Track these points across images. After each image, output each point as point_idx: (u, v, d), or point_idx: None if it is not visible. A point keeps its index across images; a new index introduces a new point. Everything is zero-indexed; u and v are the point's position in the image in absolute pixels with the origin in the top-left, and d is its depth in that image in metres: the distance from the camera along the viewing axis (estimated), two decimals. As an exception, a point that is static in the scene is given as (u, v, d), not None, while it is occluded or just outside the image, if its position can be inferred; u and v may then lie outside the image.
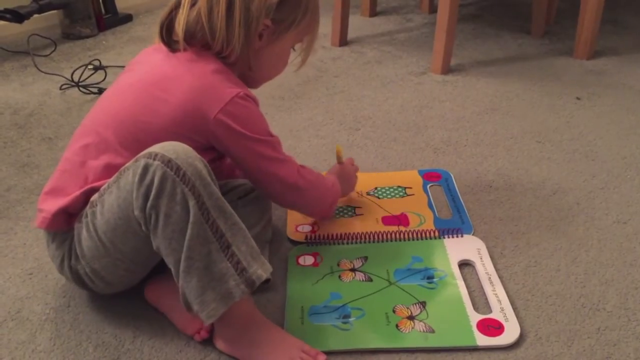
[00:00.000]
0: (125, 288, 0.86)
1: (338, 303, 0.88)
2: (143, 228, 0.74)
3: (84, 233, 0.79)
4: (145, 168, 0.72)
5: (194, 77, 0.81)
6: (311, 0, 0.87)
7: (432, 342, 0.81)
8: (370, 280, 0.92)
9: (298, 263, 0.96)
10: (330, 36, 1.92)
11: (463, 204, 1.10)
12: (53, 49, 1.87)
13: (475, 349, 0.80)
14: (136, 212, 0.73)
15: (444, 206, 1.11)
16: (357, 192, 1.13)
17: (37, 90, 1.62)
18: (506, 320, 0.84)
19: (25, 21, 1.85)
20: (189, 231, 0.72)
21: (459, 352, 0.80)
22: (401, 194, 1.14)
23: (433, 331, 0.83)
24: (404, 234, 1.01)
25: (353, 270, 0.94)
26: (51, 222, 0.80)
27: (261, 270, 0.76)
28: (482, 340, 0.81)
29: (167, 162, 0.72)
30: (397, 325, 0.84)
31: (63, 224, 0.81)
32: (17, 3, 1.86)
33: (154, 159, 0.72)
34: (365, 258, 0.97)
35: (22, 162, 1.28)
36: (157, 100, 0.81)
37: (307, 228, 1.04)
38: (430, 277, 0.92)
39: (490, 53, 1.83)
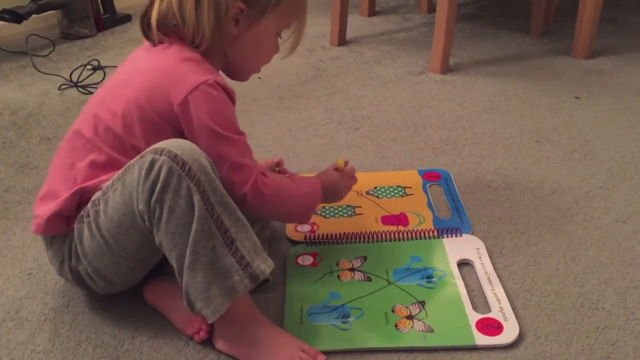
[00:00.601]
0: (126, 287, 0.86)
1: (337, 303, 0.88)
2: (147, 223, 0.75)
3: (86, 233, 0.79)
4: (152, 163, 0.73)
5: (160, 63, 0.81)
6: None
7: (431, 341, 0.81)
8: (370, 279, 0.92)
9: (297, 263, 0.96)
10: (329, 36, 1.92)
11: (462, 203, 1.10)
12: (52, 49, 1.87)
13: (474, 348, 0.80)
14: (140, 207, 0.74)
15: (443, 206, 1.11)
16: (357, 192, 1.13)
17: (35, 90, 1.62)
18: (505, 319, 0.84)
19: (24, 21, 1.85)
20: (194, 226, 0.72)
21: (458, 352, 0.80)
22: (401, 193, 1.14)
23: (432, 330, 0.83)
24: (403, 234, 1.01)
25: (352, 270, 0.95)
26: (45, 227, 0.81)
27: (264, 265, 0.76)
28: (481, 339, 0.81)
29: (174, 157, 0.72)
30: (396, 325, 0.84)
31: (59, 228, 0.81)
32: (15, 3, 1.86)
33: (161, 154, 0.73)
34: (365, 258, 0.97)
35: (21, 163, 1.28)
36: (123, 88, 0.82)
37: (307, 228, 1.04)
38: (429, 277, 0.92)
39: (489, 52, 1.83)
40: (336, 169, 0.97)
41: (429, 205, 1.10)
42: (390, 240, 1.00)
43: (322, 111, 1.48)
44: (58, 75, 1.67)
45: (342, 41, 1.91)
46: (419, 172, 1.20)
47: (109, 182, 0.78)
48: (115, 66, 1.72)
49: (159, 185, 0.72)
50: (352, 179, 0.98)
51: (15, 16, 1.82)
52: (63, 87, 1.62)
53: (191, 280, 0.74)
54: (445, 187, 1.15)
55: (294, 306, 0.87)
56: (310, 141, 1.34)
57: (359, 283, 0.92)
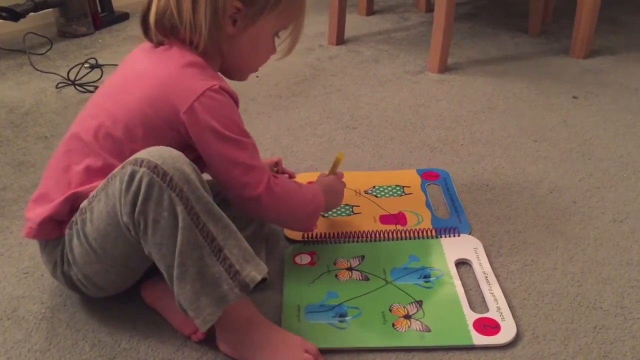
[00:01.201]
0: (118, 292, 0.86)
1: (334, 302, 0.88)
2: (132, 234, 0.74)
3: (75, 240, 0.79)
4: (132, 175, 0.71)
5: (164, 69, 0.80)
6: None
7: (429, 341, 0.81)
8: (367, 279, 0.92)
9: (295, 262, 0.96)
10: (327, 35, 1.91)
11: (461, 203, 1.10)
12: (49, 47, 1.87)
13: (472, 348, 0.80)
14: (125, 219, 0.73)
15: (442, 205, 1.11)
16: (355, 191, 1.13)
17: (33, 88, 1.62)
18: (502, 319, 0.84)
19: (21, 19, 1.85)
20: (179, 237, 0.71)
21: (455, 351, 0.80)
22: (399, 192, 1.14)
23: (429, 330, 0.83)
24: (401, 233, 1.01)
25: (350, 269, 0.94)
26: (37, 231, 0.80)
27: (255, 272, 0.75)
28: (479, 339, 0.81)
29: (154, 168, 0.71)
30: (393, 324, 0.84)
31: (52, 232, 0.81)
32: (13, 1, 1.85)
33: (140, 166, 0.71)
34: (362, 257, 0.97)
35: (18, 161, 1.27)
36: (125, 94, 0.81)
37: (304, 227, 1.04)
38: (427, 276, 0.92)
39: (487, 52, 1.83)
40: (334, 165, 0.99)
41: (428, 205, 1.10)
42: (388, 240, 1.00)
43: (320, 110, 1.48)
44: (55, 74, 1.67)
45: (340, 40, 1.91)
46: (418, 171, 1.20)
47: (94, 192, 0.77)
48: (113, 64, 1.72)
49: (140, 198, 0.71)
50: (342, 181, 1.00)
51: (12, 14, 1.82)
52: (60, 85, 1.61)
53: (181, 290, 0.74)
54: (444, 187, 1.15)
55: (291, 305, 0.87)
56: (308, 140, 1.34)
57: (357, 282, 0.92)
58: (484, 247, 0.98)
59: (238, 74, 0.90)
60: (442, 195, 1.13)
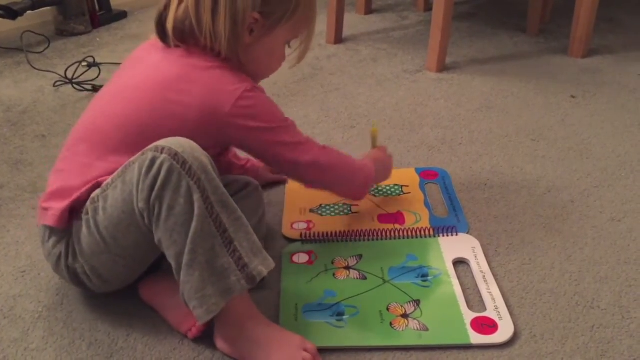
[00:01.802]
0: (122, 286, 0.86)
1: (332, 301, 0.88)
2: (146, 221, 0.75)
3: (84, 230, 0.79)
4: (152, 161, 0.73)
5: (204, 76, 0.81)
6: None
7: (426, 340, 0.81)
8: (365, 278, 0.92)
9: (292, 261, 0.96)
10: (325, 34, 1.91)
11: (460, 202, 1.10)
12: (46, 45, 1.86)
13: (469, 347, 0.80)
14: (140, 204, 0.74)
15: (440, 204, 1.10)
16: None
17: (30, 87, 1.61)
18: (500, 318, 0.84)
19: (19, 18, 1.84)
20: (193, 224, 0.72)
21: (453, 350, 0.80)
22: (398, 192, 1.14)
23: (427, 329, 0.82)
24: (399, 232, 1.01)
25: (347, 268, 0.94)
26: (60, 218, 0.80)
27: (262, 266, 0.77)
28: (476, 338, 0.81)
29: (174, 156, 0.73)
30: (391, 323, 0.84)
31: (68, 221, 0.81)
32: (10, -1, 1.85)
33: (161, 152, 0.73)
34: (360, 256, 0.97)
35: (15, 160, 1.27)
36: (172, 103, 0.81)
37: (303, 225, 1.04)
38: (424, 276, 0.92)
39: (486, 51, 1.83)
40: (373, 139, 1.07)
41: (426, 204, 1.10)
42: (386, 239, 1.00)
43: (319, 109, 1.48)
44: (53, 72, 1.66)
45: (338, 39, 1.91)
46: (416, 170, 1.20)
47: (108, 180, 0.78)
48: (110, 63, 1.72)
49: (158, 183, 0.72)
50: (390, 155, 1.07)
51: (10, 12, 1.81)
52: (58, 83, 1.61)
53: (188, 278, 0.74)
54: (442, 186, 1.15)
55: (289, 304, 0.87)
56: (306, 139, 1.34)
57: (354, 281, 0.92)
58: (482, 246, 0.98)
59: (253, 80, 0.91)
60: (441, 194, 1.13)
